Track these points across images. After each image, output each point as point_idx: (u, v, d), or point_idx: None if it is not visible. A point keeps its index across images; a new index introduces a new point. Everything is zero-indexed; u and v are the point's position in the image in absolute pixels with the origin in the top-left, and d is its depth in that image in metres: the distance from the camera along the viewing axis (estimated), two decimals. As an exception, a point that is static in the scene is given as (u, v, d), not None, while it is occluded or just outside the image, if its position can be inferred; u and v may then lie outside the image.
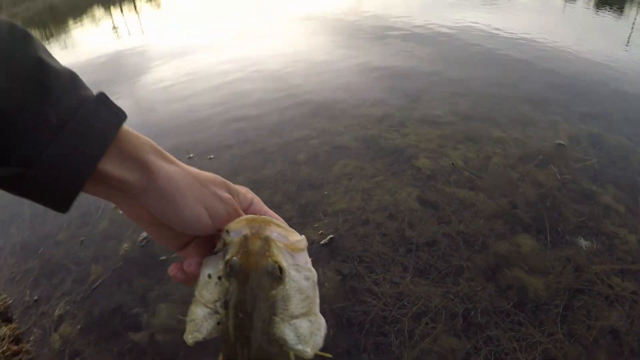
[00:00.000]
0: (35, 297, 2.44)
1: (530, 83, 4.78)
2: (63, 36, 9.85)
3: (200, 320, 0.53)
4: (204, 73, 5.65)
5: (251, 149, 3.65)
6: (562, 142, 3.60)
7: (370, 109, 4.22)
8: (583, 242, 2.57)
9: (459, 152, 3.39)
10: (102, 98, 0.53)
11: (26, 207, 3.16)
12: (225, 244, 0.55)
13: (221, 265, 0.54)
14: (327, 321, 0.52)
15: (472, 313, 2.07)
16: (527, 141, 3.62)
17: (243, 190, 0.63)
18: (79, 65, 6.49)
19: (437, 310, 2.05)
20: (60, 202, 0.51)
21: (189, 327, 0.54)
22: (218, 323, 0.52)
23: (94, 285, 2.43)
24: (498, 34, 5.89)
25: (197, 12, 10.13)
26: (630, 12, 7.99)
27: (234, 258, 0.52)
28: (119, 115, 0.54)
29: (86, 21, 11.94)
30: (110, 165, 0.52)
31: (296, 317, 0.51)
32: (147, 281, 2.38)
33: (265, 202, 0.63)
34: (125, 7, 13.18)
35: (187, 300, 2.20)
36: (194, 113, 4.49)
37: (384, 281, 2.16)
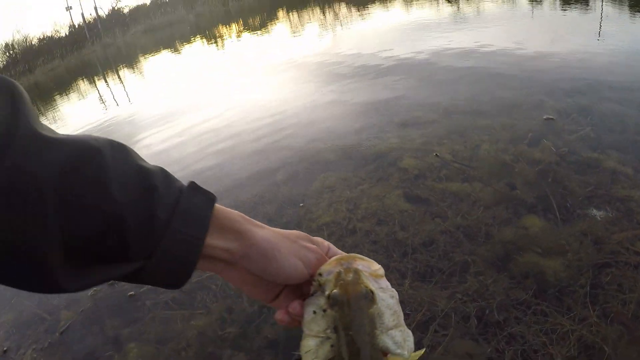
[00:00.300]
0: (5, 348, 2.21)
1: (509, 81, 4.57)
2: (51, 112, 9.82)
3: (315, 349, 0.64)
4: (192, 134, 5.43)
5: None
6: (551, 117, 3.37)
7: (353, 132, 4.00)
8: (597, 213, 2.29)
9: (445, 146, 3.16)
10: (193, 185, 0.64)
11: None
12: (320, 284, 0.67)
13: (322, 301, 0.65)
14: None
15: (487, 311, 1.77)
16: (514, 123, 3.40)
17: (320, 239, 0.75)
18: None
19: (445, 314, 1.76)
20: (176, 281, 0.61)
21: (307, 357, 0.64)
22: (332, 345, 0.63)
23: (62, 330, 2.20)
24: (475, 51, 5.77)
25: (179, 75, 10.16)
26: (596, 4, 7.95)
27: (335, 291, 0.64)
28: (210, 197, 0.66)
29: (72, 95, 11.95)
30: (214, 240, 0.63)
31: (390, 328, 0.63)
32: (118, 321, 2.14)
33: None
34: (109, 78, 13.26)
35: (159, 338, 1.94)
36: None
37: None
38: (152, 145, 5.25)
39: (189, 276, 0.60)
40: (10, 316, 2.48)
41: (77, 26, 27.87)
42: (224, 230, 0.63)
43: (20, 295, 2.62)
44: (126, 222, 0.55)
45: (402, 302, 1.66)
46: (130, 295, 2.32)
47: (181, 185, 0.62)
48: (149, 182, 0.58)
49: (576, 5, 8.38)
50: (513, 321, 1.72)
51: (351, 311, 0.63)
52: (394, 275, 1.94)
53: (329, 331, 0.65)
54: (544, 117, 3.37)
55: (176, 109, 6.78)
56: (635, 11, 6.97)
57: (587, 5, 7.80)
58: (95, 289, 2.47)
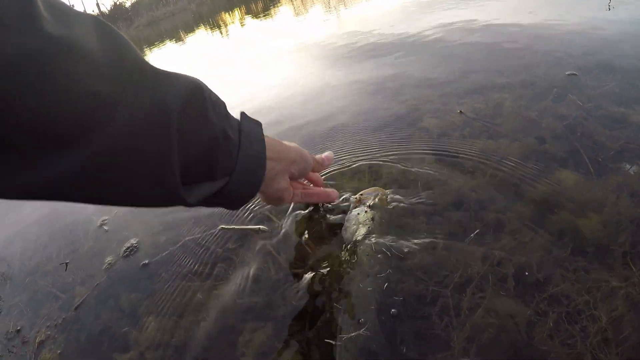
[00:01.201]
0: (18, 327, 2.14)
1: (524, 47, 4.36)
2: None
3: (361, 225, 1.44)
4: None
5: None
6: (574, 72, 3.21)
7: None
8: (630, 167, 2.16)
9: (465, 106, 3.01)
10: (244, 114, 0.82)
11: (17, 244, 2.91)
12: (361, 200, 1.57)
13: (364, 208, 1.53)
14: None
15: (527, 271, 1.66)
16: (535, 80, 3.24)
17: (314, 159, 1.33)
18: None
19: (481, 275, 1.65)
20: (249, 195, 0.79)
21: (356, 219, 1.46)
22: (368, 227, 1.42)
23: (76, 306, 2.13)
24: (481, 27, 5.52)
25: (185, 53, 9.93)
26: None
27: (375, 201, 1.58)
28: (258, 122, 0.84)
29: None
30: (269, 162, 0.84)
31: None
32: (135, 295, 2.05)
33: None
34: None
35: (176, 313, 1.84)
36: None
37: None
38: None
39: (258, 188, 0.75)
40: (24, 296, 2.41)
41: (80, 23, 27.43)
42: (270, 149, 0.82)
43: (35, 274, 2.54)
44: (218, 141, 0.65)
45: (435, 266, 1.57)
46: (144, 264, 2.23)
47: (239, 113, 0.78)
48: (224, 110, 0.71)
49: None
50: (557, 278, 1.61)
51: (381, 211, 1.50)
52: (421, 236, 1.83)
53: (369, 221, 1.46)
54: (567, 73, 3.21)
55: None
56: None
57: None
58: (109, 262, 2.37)
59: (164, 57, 12.91)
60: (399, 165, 2.39)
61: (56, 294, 2.30)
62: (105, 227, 2.75)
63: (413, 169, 2.31)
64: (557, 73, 3.33)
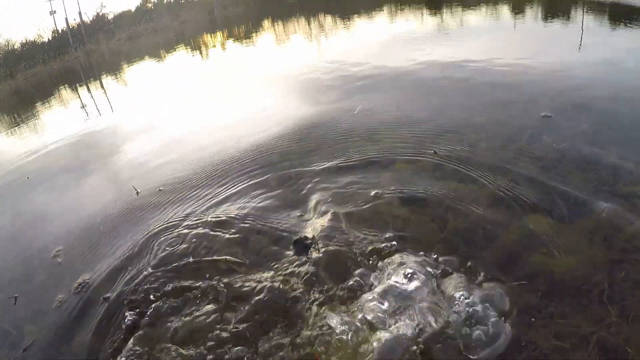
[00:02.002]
0: None
1: (500, 85, 4.48)
2: (32, 120, 9.58)
3: None
4: (176, 144, 5.25)
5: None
6: (549, 114, 3.30)
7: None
8: (603, 208, 2.20)
9: (440, 145, 3.06)
10: None
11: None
12: None
13: None
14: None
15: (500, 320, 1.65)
16: (510, 120, 3.33)
17: None
18: (52, 148, 6.14)
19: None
20: None
21: None
22: None
23: (25, 347, 2.07)
24: (458, 64, 5.67)
25: (165, 85, 10.01)
26: (577, 17, 7.96)
27: None
28: None
29: (54, 102, 11.69)
30: None
31: None
32: (85, 337, 1.99)
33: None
34: (92, 85, 13.02)
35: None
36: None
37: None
38: (135, 158, 5.05)
39: None
40: None
41: (60, 31, 27.52)
42: None
43: None
44: None
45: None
46: (104, 298, 2.17)
47: None
48: None
49: (558, 18, 8.39)
50: (526, 327, 1.61)
51: None
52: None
53: None
54: (541, 114, 3.30)
55: (159, 120, 6.60)
56: (614, 24, 7.00)
57: (569, 17, 7.78)
58: (60, 299, 2.32)
59: (142, 74, 12.97)
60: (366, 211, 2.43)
61: (6, 329, 2.24)
62: (59, 259, 2.71)
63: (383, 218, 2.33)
64: (532, 113, 3.42)
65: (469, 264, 1.94)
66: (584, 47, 5.50)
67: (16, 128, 8.90)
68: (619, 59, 4.74)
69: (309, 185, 2.90)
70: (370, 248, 2.13)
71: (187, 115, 6.38)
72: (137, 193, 3.47)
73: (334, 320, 1.71)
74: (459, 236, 2.14)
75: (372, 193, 2.59)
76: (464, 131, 3.24)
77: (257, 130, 4.41)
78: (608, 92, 3.80)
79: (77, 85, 13.65)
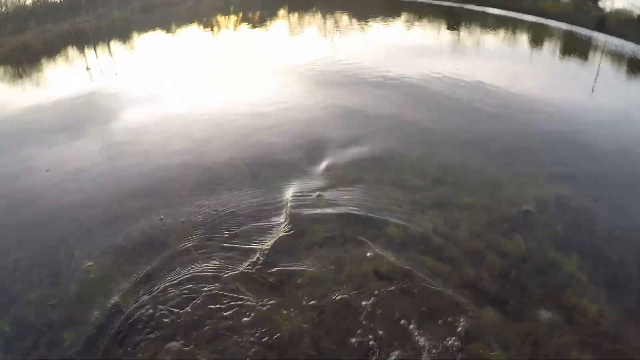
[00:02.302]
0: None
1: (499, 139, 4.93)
2: (36, 74, 9.90)
3: None
4: (176, 118, 5.70)
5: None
6: (529, 209, 3.72)
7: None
8: (544, 316, 2.63)
9: (428, 217, 3.49)
10: None
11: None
12: None
13: None
14: None
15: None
16: (495, 207, 3.74)
17: None
18: (53, 105, 6.52)
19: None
20: None
21: None
22: None
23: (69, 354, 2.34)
24: (465, 83, 6.03)
25: (174, 57, 10.37)
26: (594, 59, 8.28)
27: None
28: None
29: (60, 60, 12.08)
30: None
31: None
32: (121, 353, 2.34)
33: None
34: (99, 49, 13.35)
35: None
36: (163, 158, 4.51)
37: None
38: (131, 122, 5.50)
39: None
40: (6, 325, 2.63)
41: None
42: None
43: (17, 301, 2.77)
44: None
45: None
46: (139, 328, 2.57)
47: None
48: None
49: (575, 56, 8.66)
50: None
51: None
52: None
53: None
54: (524, 207, 3.71)
55: (162, 90, 7.07)
56: (632, 72, 7.28)
57: (586, 58, 8.07)
58: (96, 315, 2.70)
59: (150, 45, 13.17)
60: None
61: (41, 330, 2.50)
62: (91, 275, 2.95)
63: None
64: (517, 201, 3.84)
65: (417, 339, 2.39)
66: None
67: (19, 82, 9.25)
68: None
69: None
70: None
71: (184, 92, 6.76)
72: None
73: None
74: (415, 316, 2.58)
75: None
76: (452, 210, 3.66)
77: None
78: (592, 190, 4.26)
79: (85, 47, 13.95)
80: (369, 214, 3.48)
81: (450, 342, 2.37)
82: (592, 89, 5.75)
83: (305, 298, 2.62)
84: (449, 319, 2.52)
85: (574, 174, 4.60)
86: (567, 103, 5.55)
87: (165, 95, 6.87)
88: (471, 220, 3.49)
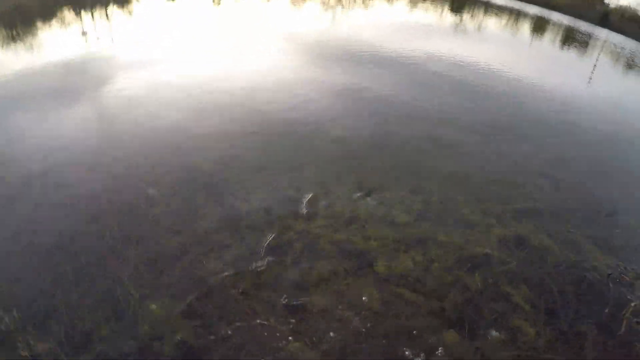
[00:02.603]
0: None
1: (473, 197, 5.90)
2: (30, 37, 10.20)
3: None
4: (171, 85, 6.38)
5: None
6: (489, 252, 4.65)
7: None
8: (493, 334, 3.57)
9: (409, 254, 4.42)
10: None
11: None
12: None
13: None
14: None
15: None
16: (464, 246, 4.67)
17: None
18: (46, 69, 7.18)
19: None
20: None
21: None
22: None
23: None
24: (463, 63, 6.71)
25: (173, 22, 10.61)
26: (594, 50, 9.01)
27: None
28: None
29: (55, 24, 12.26)
30: None
31: None
32: None
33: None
34: (96, 13, 13.60)
35: None
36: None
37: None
38: (124, 90, 6.17)
39: None
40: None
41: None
42: None
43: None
44: None
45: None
46: None
47: None
48: None
49: (575, 46, 9.18)
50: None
51: None
52: None
53: None
54: (485, 250, 4.66)
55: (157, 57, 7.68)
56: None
57: (586, 49, 8.76)
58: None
59: (148, 10, 13.65)
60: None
61: None
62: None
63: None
64: (483, 242, 4.78)
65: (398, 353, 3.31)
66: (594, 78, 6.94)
67: (12, 45, 9.61)
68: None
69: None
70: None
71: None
72: None
73: None
74: (388, 334, 3.50)
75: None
76: (429, 248, 4.60)
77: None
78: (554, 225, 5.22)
79: (82, 9, 14.00)
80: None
81: (419, 357, 3.31)
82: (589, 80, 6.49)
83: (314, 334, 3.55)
84: (421, 337, 3.46)
85: (538, 211, 5.56)
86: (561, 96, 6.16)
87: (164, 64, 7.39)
88: (443, 261, 4.43)
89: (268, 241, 4.31)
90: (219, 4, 14.33)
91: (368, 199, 5.28)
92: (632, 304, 4.24)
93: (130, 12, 13.33)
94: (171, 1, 15.32)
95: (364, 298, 3.81)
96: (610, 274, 4.62)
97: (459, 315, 3.74)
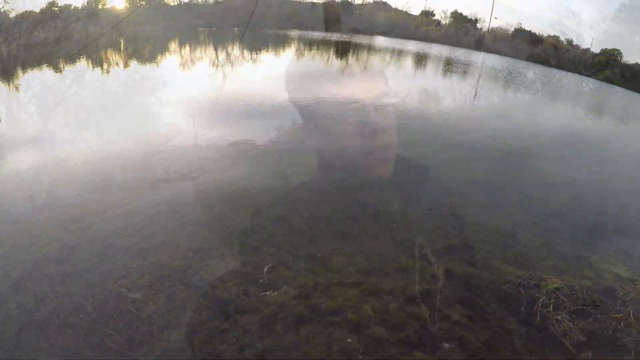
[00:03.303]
0: None
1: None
2: None
3: None
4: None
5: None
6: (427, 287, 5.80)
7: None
8: (445, 346, 4.62)
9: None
10: None
11: None
12: None
13: None
14: None
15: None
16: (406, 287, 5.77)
17: None
18: None
19: None
20: None
21: None
22: None
23: None
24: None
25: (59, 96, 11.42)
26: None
27: None
28: None
29: None
30: None
31: None
32: None
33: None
34: None
35: None
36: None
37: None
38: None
39: None
40: None
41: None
42: None
43: None
44: None
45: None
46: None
47: None
48: None
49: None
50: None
51: None
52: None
53: None
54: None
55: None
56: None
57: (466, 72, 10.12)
58: None
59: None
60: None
61: None
62: None
63: None
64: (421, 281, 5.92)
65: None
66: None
67: None
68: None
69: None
70: None
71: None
72: None
73: None
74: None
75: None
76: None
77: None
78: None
79: None
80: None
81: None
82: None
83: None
84: None
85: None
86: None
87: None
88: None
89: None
90: (109, 73, 15.21)
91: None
92: (540, 300, 5.53)
93: (16, 88, 13.21)
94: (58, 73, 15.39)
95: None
96: (519, 283, 5.93)
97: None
